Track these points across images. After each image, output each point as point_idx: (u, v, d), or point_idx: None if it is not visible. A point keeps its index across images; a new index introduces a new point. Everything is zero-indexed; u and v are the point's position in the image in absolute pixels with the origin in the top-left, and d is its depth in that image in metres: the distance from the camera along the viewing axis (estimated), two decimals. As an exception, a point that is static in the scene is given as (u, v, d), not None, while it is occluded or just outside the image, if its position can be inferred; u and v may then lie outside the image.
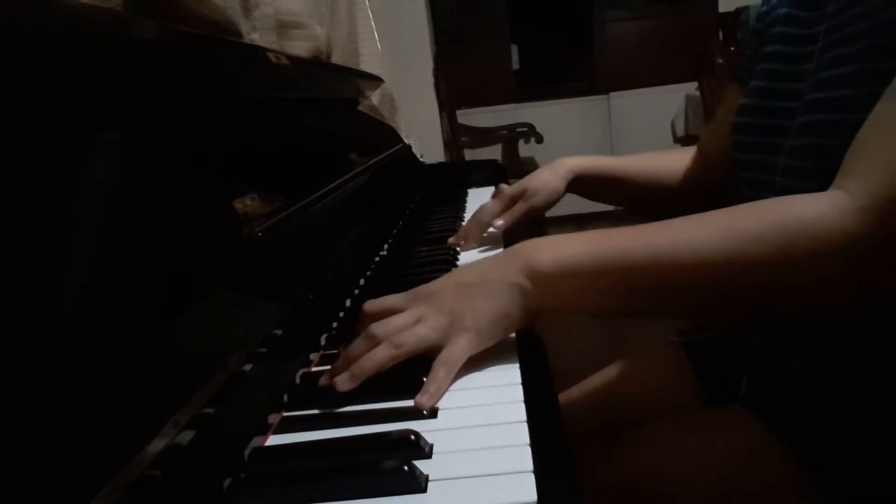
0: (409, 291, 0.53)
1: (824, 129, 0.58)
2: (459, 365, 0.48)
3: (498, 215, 0.91)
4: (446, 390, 0.46)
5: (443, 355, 0.47)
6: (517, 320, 0.50)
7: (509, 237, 0.91)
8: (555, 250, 0.50)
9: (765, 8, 0.76)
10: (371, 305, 0.53)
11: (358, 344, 0.49)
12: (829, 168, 0.57)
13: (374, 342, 0.48)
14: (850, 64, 0.56)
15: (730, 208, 0.50)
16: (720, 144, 0.83)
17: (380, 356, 0.47)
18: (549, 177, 0.91)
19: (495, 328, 0.49)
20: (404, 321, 0.49)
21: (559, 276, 0.49)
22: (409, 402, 0.45)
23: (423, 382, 0.46)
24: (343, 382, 0.46)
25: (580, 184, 0.93)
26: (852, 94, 0.55)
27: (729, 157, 0.75)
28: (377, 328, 0.49)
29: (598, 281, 0.49)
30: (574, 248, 0.50)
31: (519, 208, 0.90)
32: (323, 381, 0.49)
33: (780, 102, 0.66)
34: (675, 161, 0.92)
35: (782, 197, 0.49)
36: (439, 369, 0.46)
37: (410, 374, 0.47)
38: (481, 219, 0.90)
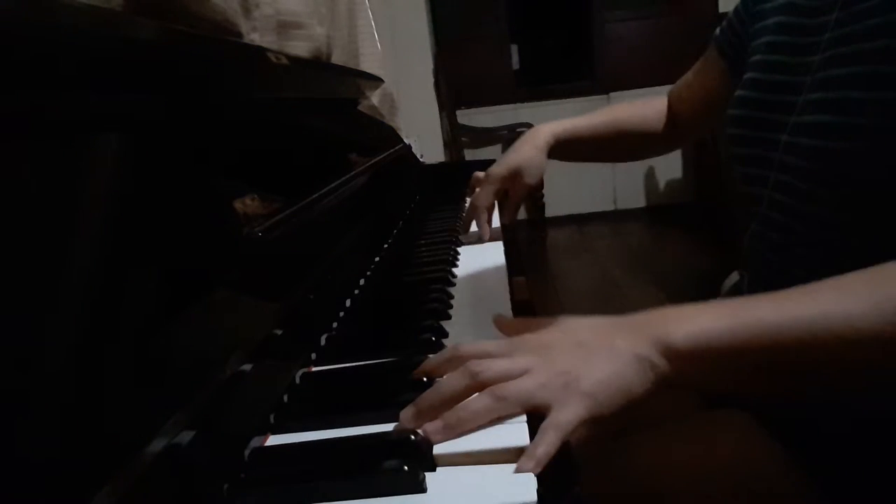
0: (513, 339, 0.48)
1: (829, 132, 0.57)
2: (569, 432, 0.41)
3: (493, 200, 0.94)
4: (553, 456, 0.40)
5: (553, 418, 0.41)
6: (639, 397, 0.43)
7: (509, 229, 0.93)
8: (690, 323, 0.44)
9: None
10: (467, 347, 0.47)
11: (454, 380, 0.43)
12: (830, 170, 0.57)
13: (473, 383, 0.43)
14: (862, 63, 0.54)
15: (871, 271, 0.44)
16: (687, 100, 0.91)
17: (477, 407, 0.41)
18: (531, 151, 0.92)
19: (614, 399, 0.43)
20: (507, 368, 0.43)
21: (696, 354, 0.43)
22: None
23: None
24: (435, 433, 0.41)
25: (558, 150, 0.95)
26: (864, 97, 0.54)
27: (694, 113, 0.82)
28: (478, 366, 0.43)
29: (739, 359, 0.44)
30: (712, 321, 0.44)
31: (521, 191, 0.92)
32: (407, 418, 0.43)
33: (779, 96, 0.65)
34: (643, 111, 0.97)
35: None
36: (549, 433, 0.40)
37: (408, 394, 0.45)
38: (478, 205, 0.93)
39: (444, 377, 0.45)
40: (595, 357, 0.44)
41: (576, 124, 0.96)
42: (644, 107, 0.98)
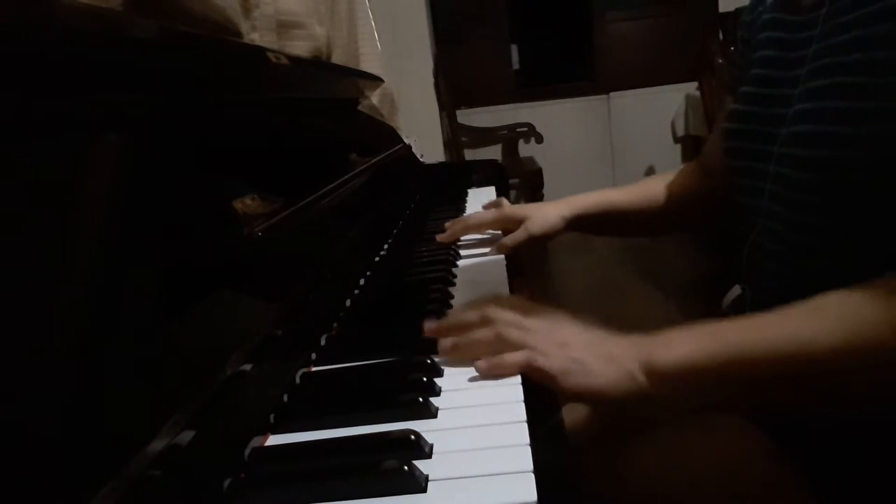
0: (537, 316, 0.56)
1: (812, 141, 0.58)
2: (534, 370, 0.48)
3: (488, 227, 0.93)
4: (510, 375, 0.48)
5: (535, 353, 0.49)
6: (608, 397, 0.49)
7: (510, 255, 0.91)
8: (674, 349, 0.50)
9: (749, 17, 0.76)
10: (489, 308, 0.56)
11: (471, 316, 0.54)
12: (818, 179, 0.58)
13: (485, 324, 0.53)
14: (841, 75, 0.56)
15: (833, 294, 0.49)
16: (718, 150, 0.82)
17: (481, 336, 0.52)
18: (551, 213, 0.91)
19: (586, 382, 0.49)
20: (517, 320, 0.53)
21: (678, 376, 0.49)
22: (404, 423, 0.43)
23: (416, 401, 0.45)
24: (444, 349, 0.52)
25: (582, 223, 0.93)
26: (843, 107, 0.55)
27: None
28: (494, 313, 0.53)
29: (717, 378, 0.50)
30: (693, 346, 0.50)
31: (520, 234, 0.90)
32: (430, 328, 0.54)
33: (770, 109, 0.66)
34: (674, 183, 0.92)
35: (890, 279, 0.48)
36: (520, 355, 0.49)
37: (405, 395, 0.46)
38: (468, 223, 0.92)
39: (464, 312, 0.55)
40: (589, 350, 0.50)
41: (606, 197, 0.93)
42: (677, 178, 0.93)
